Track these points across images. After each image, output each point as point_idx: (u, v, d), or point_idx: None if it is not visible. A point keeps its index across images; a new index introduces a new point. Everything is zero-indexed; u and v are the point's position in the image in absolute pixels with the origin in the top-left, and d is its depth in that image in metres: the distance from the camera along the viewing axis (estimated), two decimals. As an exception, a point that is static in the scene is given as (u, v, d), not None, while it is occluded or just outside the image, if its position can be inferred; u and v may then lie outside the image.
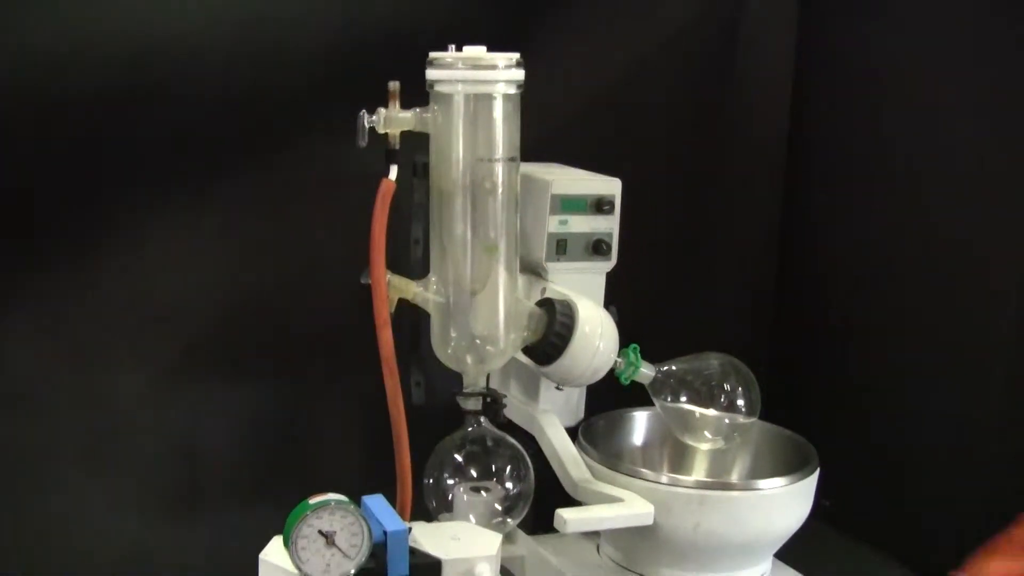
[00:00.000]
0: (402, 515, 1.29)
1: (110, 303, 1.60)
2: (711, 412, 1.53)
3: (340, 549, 1.13)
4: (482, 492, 1.44)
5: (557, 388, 1.56)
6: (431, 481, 1.44)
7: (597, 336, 1.45)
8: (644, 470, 1.47)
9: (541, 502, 1.46)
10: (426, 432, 1.44)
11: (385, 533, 1.18)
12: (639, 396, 1.55)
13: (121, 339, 1.61)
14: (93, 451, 1.60)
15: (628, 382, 1.50)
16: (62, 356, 1.58)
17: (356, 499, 1.19)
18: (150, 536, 1.60)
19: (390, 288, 1.35)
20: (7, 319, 1.55)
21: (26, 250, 1.56)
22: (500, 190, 1.37)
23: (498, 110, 1.35)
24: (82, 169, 1.59)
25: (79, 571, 1.53)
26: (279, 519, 1.14)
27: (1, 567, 1.51)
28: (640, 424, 1.67)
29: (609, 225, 1.58)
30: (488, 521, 1.43)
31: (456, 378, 1.43)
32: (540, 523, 1.52)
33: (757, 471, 1.61)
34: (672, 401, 1.53)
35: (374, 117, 1.33)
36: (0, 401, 1.56)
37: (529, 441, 1.55)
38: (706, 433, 1.55)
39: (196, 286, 1.66)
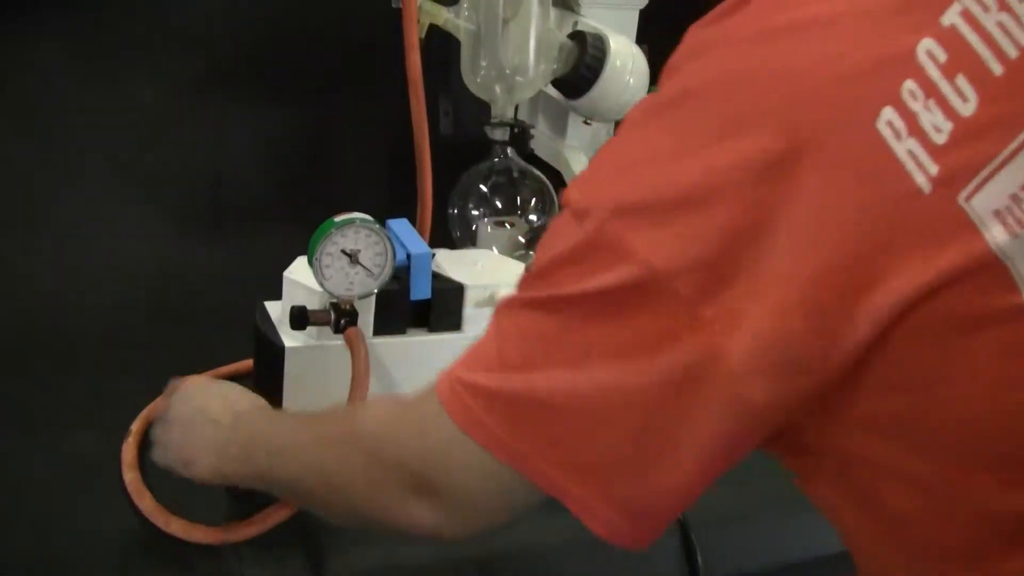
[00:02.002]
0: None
1: (136, 19, 1.58)
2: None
3: (364, 267, 1.14)
4: (506, 225, 1.44)
5: (585, 123, 1.54)
6: (455, 211, 1.45)
7: (628, 71, 1.43)
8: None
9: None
10: (453, 162, 1.44)
11: (409, 255, 1.18)
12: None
13: (148, 56, 1.59)
14: (120, 167, 1.60)
15: (657, 120, 1.49)
16: (90, 71, 1.56)
17: (383, 222, 1.19)
18: (173, 253, 1.61)
19: (421, 12, 1.32)
20: (36, 30, 1.53)
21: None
22: (534, -90, 1.33)
23: None
24: None
25: (102, 284, 1.55)
26: (302, 241, 1.14)
27: (29, 281, 1.53)
28: (666, 165, 1.66)
29: (646, -40, 1.55)
30: (511, 253, 1.43)
31: (485, 109, 1.42)
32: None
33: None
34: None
35: None
36: (30, 114, 1.55)
37: (555, 177, 1.55)
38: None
39: (223, 4, 1.63)
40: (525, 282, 0.80)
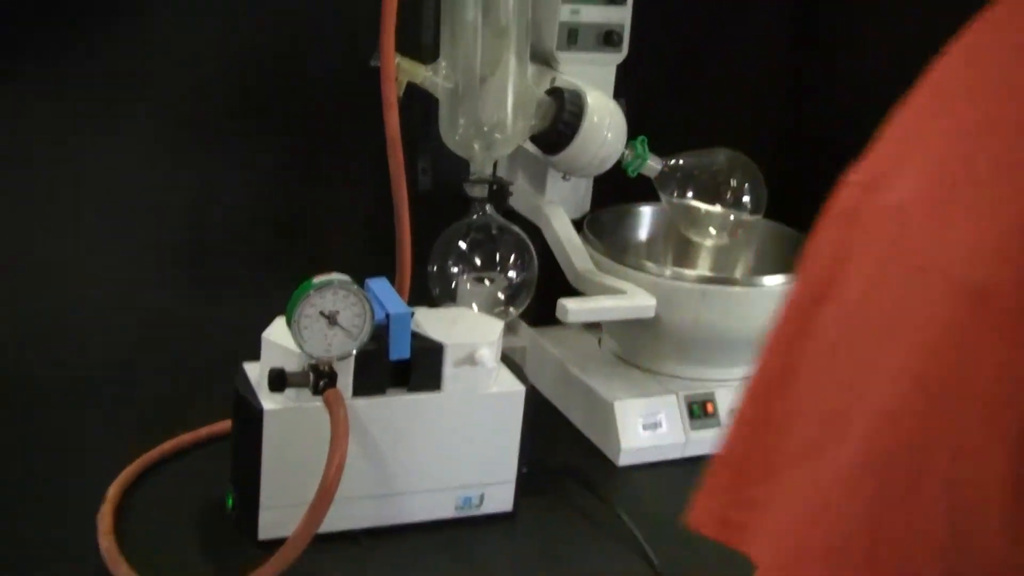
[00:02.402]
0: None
1: (119, 64, 1.57)
2: (716, 208, 1.53)
3: (343, 328, 1.13)
4: (485, 281, 1.44)
5: (564, 178, 1.54)
6: (435, 268, 1.45)
7: (605, 126, 1.43)
8: (648, 263, 1.47)
9: (544, 295, 1.46)
10: (432, 219, 1.44)
11: (387, 315, 1.18)
12: (646, 191, 1.55)
13: (128, 103, 1.59)
14: (101, 226, 1.60)
15: (635, 174, 1.50)
16: (72, 114, 1.56)
17: (361, 282, 1.19)
18: (153, 306, 1.60)
19: (399, 71, 1.33)
20: (18, 73, 1.52)
21: (35, 12, 1.52)
22: (512, -27, 1.34)
23: None
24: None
25: (84, 330, 1.54)
26: (283, 297, 1.14)
27: (3, 335, 1.52)
28: (646, 218, 1.67)
29: (621, 16, 1.55)
30: (491, 310, 1.43)
31: (464, 165, 1.42)
32: (543, 315, 1.52)
33: (760, 268, 1.61)
34: (678, 196, 1.53)
35: None
36: (12, 156, 1.55)
37: (535, 233, 1.55)
38: (710, 229, 1.54)
39: (207, 56, 1.62)
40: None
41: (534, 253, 1.46)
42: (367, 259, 1.33)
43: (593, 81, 1.50)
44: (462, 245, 1.44)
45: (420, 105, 1.42)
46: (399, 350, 1.19)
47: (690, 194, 1.53)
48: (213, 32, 1.60)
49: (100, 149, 1.58)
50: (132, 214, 1.61)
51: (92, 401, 1.46)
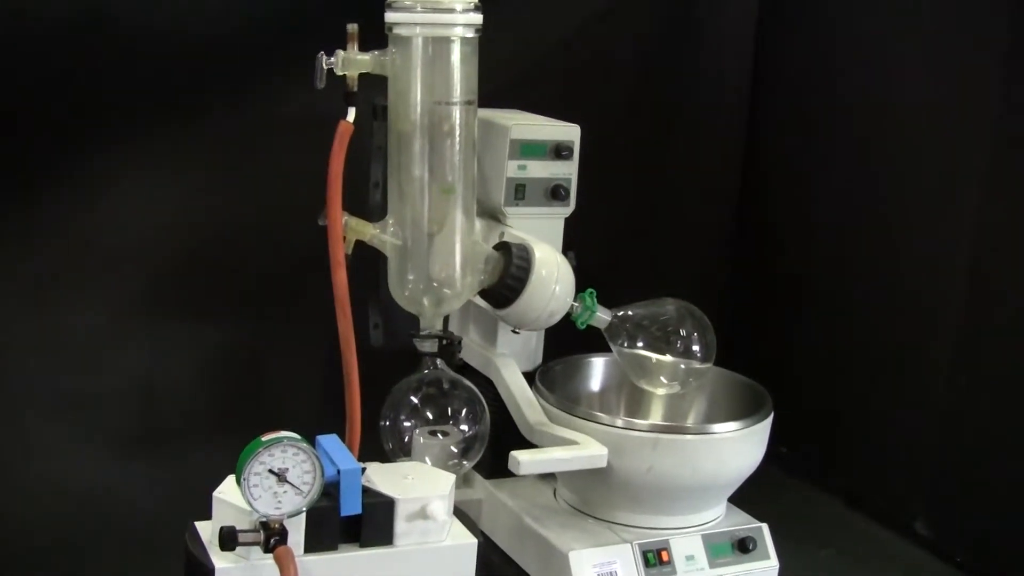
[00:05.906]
0: (351, 454, 1.29)
1: (69, 242, 1.60)
2: (667, 357, 1.54)
3: (292, 485, 1.14)
4: (438, 435, 1.44)
5: (514, 331, 1.56)
6: (387, 423, 1.45)
7: (553, 280, 1.45)
8: (599, 413, 1.48)
9: (499, 447, 1.47)
10: (384, 374, 1.44)
11: (338, 471, 1.18)
12: (599, 342, 1.56)
13: (79, 278, 1.61)
14: (50, 389, 1.60)
15: (584, 326, 1.51)
16: (20, 294, 1.57)
17: (312, 439, 1.20)
18: (106, 474, 1.60)
19: (347, 230, 1.35)
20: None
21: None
22: (457, 133, 1.37)
23: (456, 53, 1.35)
24: (40, 110, 1.58)
25: (34, 507, 1.54)
26: (234, 456, 1.15)
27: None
28: (597, 369, 1.68)
29: (568, 170, 1.59)
30: (444, 463, 1.43)
31: (414, 320, 1.44)
32: (498, 467, 1.53)
33: (712, 416, 1.62)
34: (628, 346, 1.54)
35: (332, 59, 1.33)
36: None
37: (487, 385, 1.56)
38: (662, 378, 1.56)
39: (155, 226, 1.65)
40: None
41: (486, 406, 1.47)
42: (320, 416, 1.34)
43: (541, 235, 1.53)
44: (414, 399, 1.45)
45: (370, 262, 1.44)
46: (350, 506, 1.20)
47: (640, 344, 1.54)
48: (162, 204, 1.63)
49: (57, 317, 1.59)
50: (83, 386, 1.62)
51: (46, 567, 1.45)
